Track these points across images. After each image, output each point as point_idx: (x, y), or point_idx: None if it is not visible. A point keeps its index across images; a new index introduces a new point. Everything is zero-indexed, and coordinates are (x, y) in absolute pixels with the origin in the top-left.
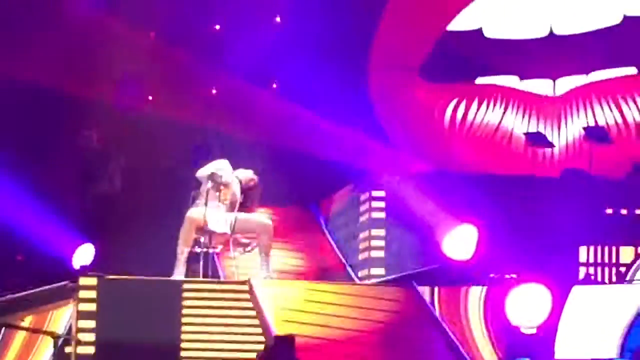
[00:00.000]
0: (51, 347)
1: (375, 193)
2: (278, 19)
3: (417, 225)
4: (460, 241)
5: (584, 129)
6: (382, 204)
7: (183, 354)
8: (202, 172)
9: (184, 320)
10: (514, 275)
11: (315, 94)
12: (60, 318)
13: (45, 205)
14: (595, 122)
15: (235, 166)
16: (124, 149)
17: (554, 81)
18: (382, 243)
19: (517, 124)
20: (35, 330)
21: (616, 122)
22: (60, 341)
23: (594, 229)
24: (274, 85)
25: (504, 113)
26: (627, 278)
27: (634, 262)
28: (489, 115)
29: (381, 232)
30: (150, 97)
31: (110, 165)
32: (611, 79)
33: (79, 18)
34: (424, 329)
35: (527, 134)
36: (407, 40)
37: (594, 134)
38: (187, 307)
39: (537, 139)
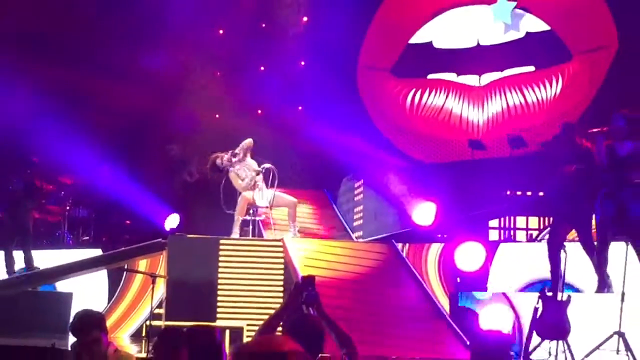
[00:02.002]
0: (162, 287)
1: (363, 181)
2: (302, 63)
3: (395, 202)
4: (424, 213)
5: (507, 135)
6: (367, 188)
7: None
8: (246, 181)
9: (236, 265)
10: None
11: (328, 113)
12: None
13: (147, 189)
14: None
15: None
16: (198, 153)
17: (480, 76)
18: (369, 214)
19: (455, 105)
20: (138, 272)
21: (520, 103)
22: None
23: (512, 205)
24: (300, 108)
25: (446, 98)
26: (537, 238)
27: (541, 228)
28: (435, 99)
29: (368, 206)
30: (217, 115)
31: (189, 164)
32: (517, 74)
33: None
34: (399, 271)
35: (469, 141)
36: (383, 50)
37: (514, 141)
38: (237, 257)
39: (476, 144)
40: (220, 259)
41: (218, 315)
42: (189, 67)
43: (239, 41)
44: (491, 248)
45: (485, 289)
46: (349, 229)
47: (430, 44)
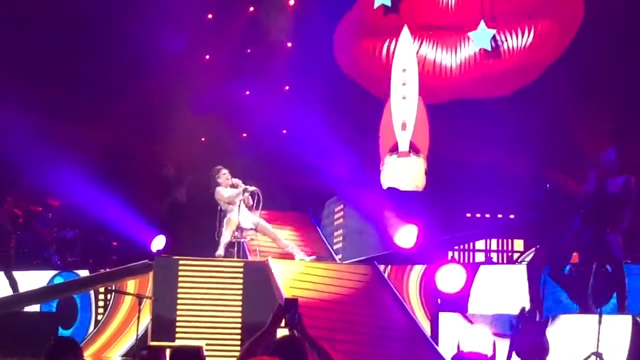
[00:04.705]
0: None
1: (343, 205)
2: (287, 88)
3: (377, 224)
4: (406, 235)
5: None
6: (348, 211)
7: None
8: (233, 192)
9: (195, 285)
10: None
11: (312, 137)
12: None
13: (134, 210)
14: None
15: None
16: (189, 173)
17: None
18: (351, 237)
19: (429, 51)
20: (125, 293)
21: (492, 48)
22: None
23: (495, 227)
24: (284, 131)
25: (420, 45)
26: (518, 260)
27: (524, 251)
28: None
29: (350, 229)
30: (203, 139)
31: (180, 184)
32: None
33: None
34: (381, 292)
35: None
36: (360, 17)
37: None
38: (196, 277)
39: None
40: (180, 279)
41: (177, 335)
42: (177, 93)
43: (225, 66)
44: (472, 270)
45: (466, 311)
46: (332, 251)
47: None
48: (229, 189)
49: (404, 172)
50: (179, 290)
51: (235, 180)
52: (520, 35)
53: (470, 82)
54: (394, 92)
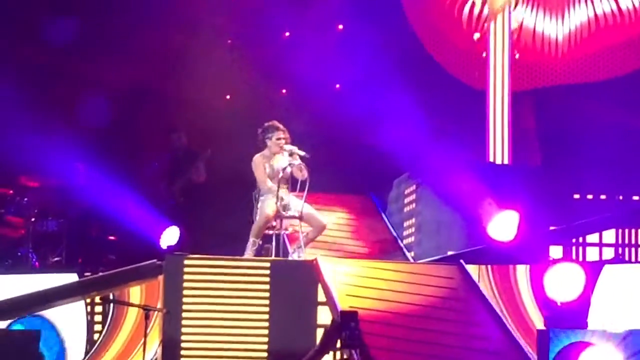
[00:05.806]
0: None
1: (416, 185)
2: (340, 27)
3: (463, 210)
4: (503, 225)
5: None
6: (424, 193)
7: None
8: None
9: (206, 293)
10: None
11: (374, 93)
12: None
13: (138, 194)
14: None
15: None
16: (209, 145)
17: None
18: (428, 227)
19: (527, 15)
20: (126, 303)
21: (612, 10)
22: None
23: (618, 214)
24: (337, 86)
25: (515, 6)
26: None
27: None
28: None
29: (426, 217)
30: (228, 97)
31: (197, 160)
32: None
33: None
34: (470, 302)
35: None
36: None
37: None
38: (207, 281)
39: None
40: (186, 284)
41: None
42: (191, 33)
43: None
44: (593, 271)
45: (585, 326)
46: (402, 247)
47: None
48: (270, 164)
49: None
50: (184, 299)
51: (289, 147)
52: None
53: (582, 59)
54: None
